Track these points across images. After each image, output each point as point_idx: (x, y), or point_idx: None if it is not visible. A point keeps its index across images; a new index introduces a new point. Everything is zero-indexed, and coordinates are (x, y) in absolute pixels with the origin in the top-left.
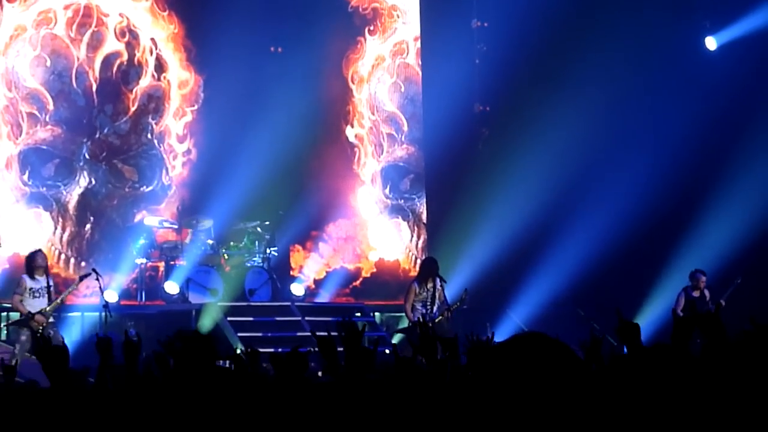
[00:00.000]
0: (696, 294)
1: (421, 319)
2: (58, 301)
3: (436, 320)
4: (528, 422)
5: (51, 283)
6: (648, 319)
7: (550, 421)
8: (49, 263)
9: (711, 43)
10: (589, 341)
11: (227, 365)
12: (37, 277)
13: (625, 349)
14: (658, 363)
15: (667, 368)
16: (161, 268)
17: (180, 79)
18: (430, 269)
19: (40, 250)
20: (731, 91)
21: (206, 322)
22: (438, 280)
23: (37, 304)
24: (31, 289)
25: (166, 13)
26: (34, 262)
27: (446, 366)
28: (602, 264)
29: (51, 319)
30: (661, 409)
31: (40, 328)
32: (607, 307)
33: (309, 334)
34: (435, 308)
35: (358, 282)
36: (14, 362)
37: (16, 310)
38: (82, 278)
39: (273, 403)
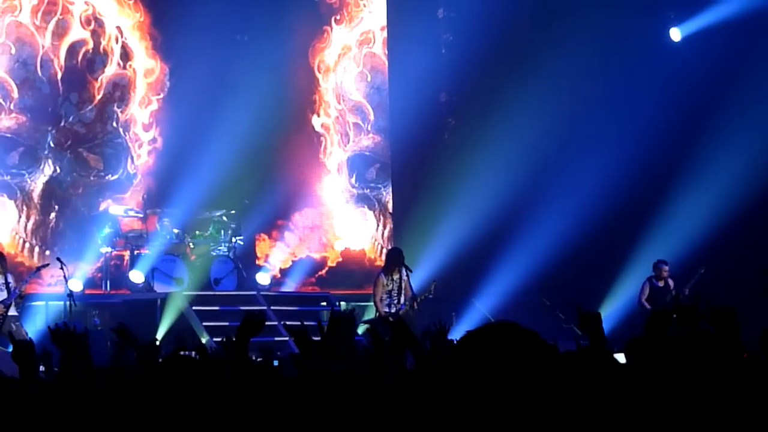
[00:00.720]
0: (660, 284)
1: (390, 311)
2: (18, 291)
3: (402, 311)
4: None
5: (10, 280)
6: (612, 308)
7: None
8: (13, 252)
9: (675, 34)
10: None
11: (193, 355)
12: None
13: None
14: (636, 356)
15: (645, 361)
16: (126, 257)
17: (146, 67)
18: (395, 259)
19: None
20: (696, 82)
21: (171, 312)
22: (404, 270)
23: None
24: None
25: (132, 2)
26: None
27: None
28: (567, 254)
29: (14, 312)
30: (641, 401)
31: (1, 319)
32: (573, 297)
33: (275, 323)
34: (402, 299)
35: (323, 271)
36: None
37: None
38: (39, 268)
39: (235, 398)
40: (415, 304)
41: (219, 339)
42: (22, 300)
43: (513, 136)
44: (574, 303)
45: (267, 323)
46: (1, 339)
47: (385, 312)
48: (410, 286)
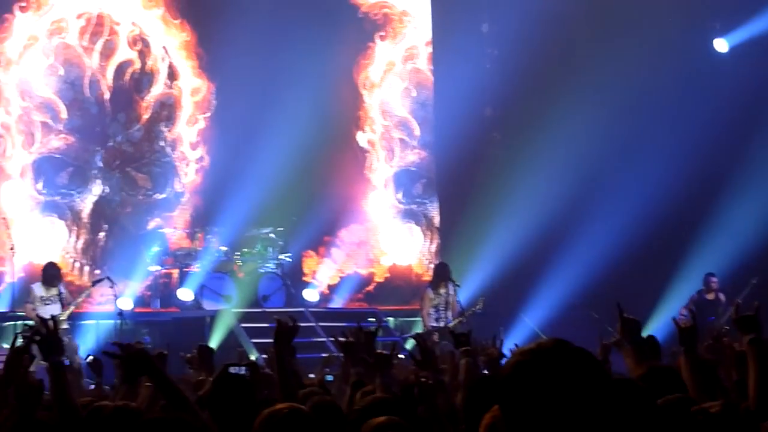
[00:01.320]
0: (710, 297)
1: (438, 326)
2: (72, 306)
3: (451, 325)
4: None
5: (63, 291)
6: (661, 322)
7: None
8: (63, 271)
9: (722, 45)
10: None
11: (243, 372)
12: (48, 286)
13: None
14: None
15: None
16: (175, 275)
17: (192, 86)
18: (442, 274)
19: (54, 263)
20: (743, 93)
21: (220, 329)
22: (451, 284)
23: (49, 311)
24: (41, 297)
25: (178, 21)
26: (48, 273)
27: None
28: (616, 267)
29: (66, 326)
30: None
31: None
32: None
33: (324, 339)
34: (449, 313)
35: (371, 287)
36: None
37: (30, 319)
38: (95, 283)
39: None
40: (463, 318)
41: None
42: (73, 312)
43: (559, 149)
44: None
45: (315, 339)
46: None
47: (432, 326)
48: (457, 300)
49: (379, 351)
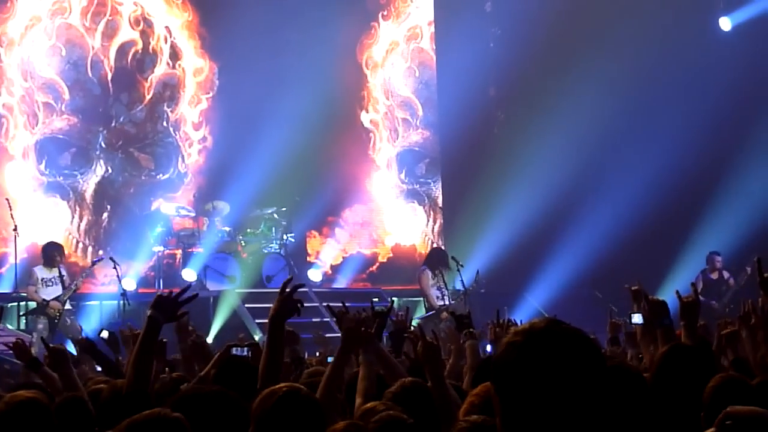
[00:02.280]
0: (714, 276)
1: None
2: (73, 286)
3: (450, 305)
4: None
5: (63, 272)
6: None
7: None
8: (66, 252)
9: (725, 23)
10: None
11: (245, 353)
12: (50, 267)
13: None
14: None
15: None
16: (178, 256)
17: (195, 66)
18: (439, 261)
19: (54, 242)
20: (746, 72)
21: (224, 309)
22: (445, 270)
23: (51, 292)
24: (43, 279)
25: (180, 1)
26: (48, 253)
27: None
28: (619, 246)
29: (68, 307)
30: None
31: (57, 314)
32: (624, 290)
33: (327, 319)
34: (450, 290)
35: (374, 267)
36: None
37: (32, 300)
38: (94, 263)
39: None
40: (466, 297)
41: None
42: (75, 293)
43: (562, 129)
44: (624, 295)
45: (319, 319)
46: (60, 336)
47: (439, 305)
48: (462, 279)
49: (352, 325)
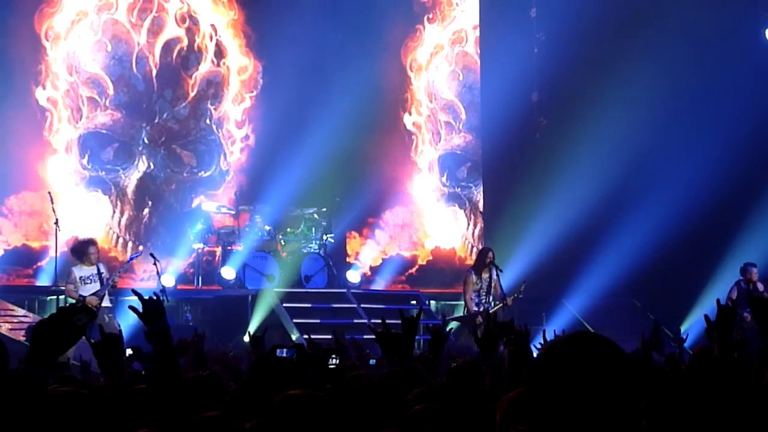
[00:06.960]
0: (749, 287)
1: (479, 310)
2: (110, 282)
3: (491, 310)
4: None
5: (102, 270)
6: (703, 311)
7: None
8: (107, 247)
9: None
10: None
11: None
12: (86, 265)
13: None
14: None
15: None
16: (218, 254)
17: (239, 65)
18: (485, 259)
19: (81, 240)
20: None
21: (262, 308)
22: (494, 269)
23: (89, 289)
24: (81, 277)
25: (226, 0)
26: (84, 251)
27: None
28: (659, 255)
29: (108, 304)
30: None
31: (95, 309)
32: (663, 299)
33: (365, 321)
34: (490, 298)
35: (414, 270)
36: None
37: (71, 298)
38: (132, 258)
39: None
40: (506, 303)
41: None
42: (113, 289)
43: (605, 135)
44: (663, 304)
45: (357, 321)
46: (94, 330)
47: (474, 310)
48: (500, 285)
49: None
